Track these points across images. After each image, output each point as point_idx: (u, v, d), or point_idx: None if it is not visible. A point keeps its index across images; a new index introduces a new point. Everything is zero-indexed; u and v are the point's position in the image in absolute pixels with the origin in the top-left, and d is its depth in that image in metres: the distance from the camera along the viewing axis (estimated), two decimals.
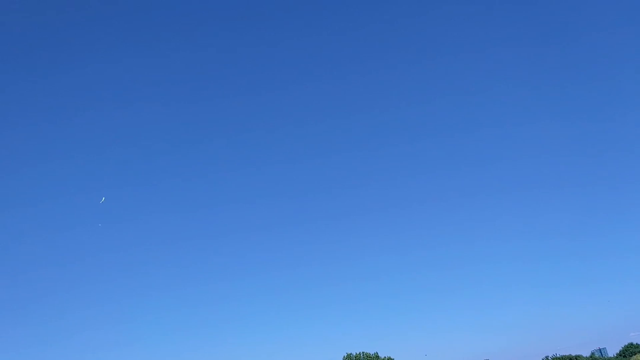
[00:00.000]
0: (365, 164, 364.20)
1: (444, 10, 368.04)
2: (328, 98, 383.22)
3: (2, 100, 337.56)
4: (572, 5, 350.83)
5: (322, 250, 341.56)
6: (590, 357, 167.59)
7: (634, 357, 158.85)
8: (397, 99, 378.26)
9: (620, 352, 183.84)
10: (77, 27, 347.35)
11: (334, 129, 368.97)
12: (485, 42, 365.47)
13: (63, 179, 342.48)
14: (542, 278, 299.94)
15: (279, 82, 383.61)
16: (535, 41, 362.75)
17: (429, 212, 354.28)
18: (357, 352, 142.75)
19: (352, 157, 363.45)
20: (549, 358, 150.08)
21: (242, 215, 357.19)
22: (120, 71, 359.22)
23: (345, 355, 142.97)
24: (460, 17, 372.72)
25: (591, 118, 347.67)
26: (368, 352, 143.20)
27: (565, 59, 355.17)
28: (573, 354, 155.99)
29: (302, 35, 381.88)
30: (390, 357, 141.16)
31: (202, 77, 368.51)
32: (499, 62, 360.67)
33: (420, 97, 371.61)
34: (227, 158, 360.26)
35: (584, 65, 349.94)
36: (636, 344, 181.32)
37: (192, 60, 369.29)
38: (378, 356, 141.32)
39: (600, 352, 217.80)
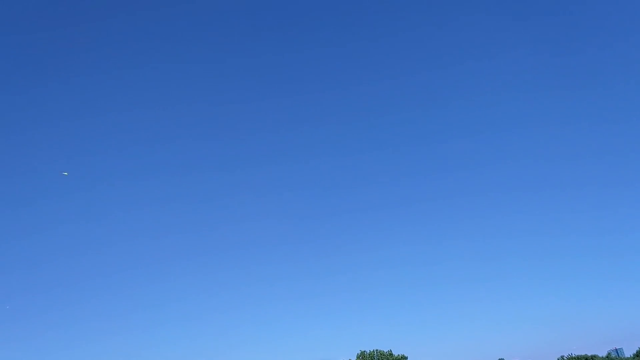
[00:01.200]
0: (379, 160, 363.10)
1: (450, 12, 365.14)
2: (330, 99, 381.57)
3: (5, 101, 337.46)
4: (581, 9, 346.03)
5: (335, 247, 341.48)
6: (607, 357, 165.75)
7: None
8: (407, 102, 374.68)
9: (637, 352, 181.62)
10: (78, 26, 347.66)
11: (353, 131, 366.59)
12: (491, 44, 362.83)
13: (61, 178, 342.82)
14: (558, 277, 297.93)
15: (284, 85, 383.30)
16: (539, 44, 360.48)
17: (443, 210, 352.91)
18: (371, 350, 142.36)
19: (369, 153, 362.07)
20: (565, 358, 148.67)
21: (255, 207, 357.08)
22: (122, 71, 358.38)
23: (359, 352, 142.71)
24: (465, 20, 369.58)
25: (608, 119, 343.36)
26: (382, 349, 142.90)
27: (573, 62, 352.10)
28: (589, 354, 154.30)
29: (307, 40, 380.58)
30: (403, 355, 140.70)
31: (210, 79, 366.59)
32: (504, 65, 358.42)
33: (429, 100, 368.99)
34: (240, 157, 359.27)
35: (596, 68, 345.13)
36: None
37: (196, 61, 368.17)
38: (392, 354, 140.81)
39: (617, 352, 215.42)
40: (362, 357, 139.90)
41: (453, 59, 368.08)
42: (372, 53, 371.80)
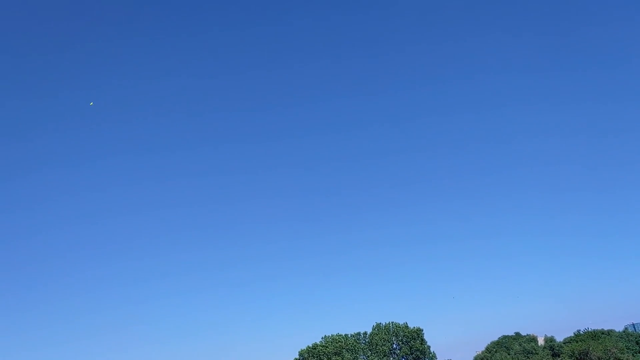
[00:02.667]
0: (404, 134, 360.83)
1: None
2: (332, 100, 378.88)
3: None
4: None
5: (352, 222, 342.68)
6: (623, 332, 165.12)
7: None
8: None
9: None
10: (79, 26, 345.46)
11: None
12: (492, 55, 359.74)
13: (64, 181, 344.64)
14: (575, 252, 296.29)
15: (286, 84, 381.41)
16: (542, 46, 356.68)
17: (460, 185, 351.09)
18: (387, 322, 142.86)
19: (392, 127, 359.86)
20: (581, 332, 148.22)
21: (273, 184, 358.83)
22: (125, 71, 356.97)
23: (375, 324, 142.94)
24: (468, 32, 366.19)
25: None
26: (397, 322, 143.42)
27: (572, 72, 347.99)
28: (605, 329, 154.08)
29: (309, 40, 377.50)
30: (419, 328, 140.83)
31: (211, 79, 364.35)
32: (507, 75, 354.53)
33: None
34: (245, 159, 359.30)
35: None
36: None
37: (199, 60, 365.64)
38: (407, 326, 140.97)
39: (634, 327, 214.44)
40: (378, 330, 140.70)
41: (456, 71, 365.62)
42: (377, 62, 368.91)
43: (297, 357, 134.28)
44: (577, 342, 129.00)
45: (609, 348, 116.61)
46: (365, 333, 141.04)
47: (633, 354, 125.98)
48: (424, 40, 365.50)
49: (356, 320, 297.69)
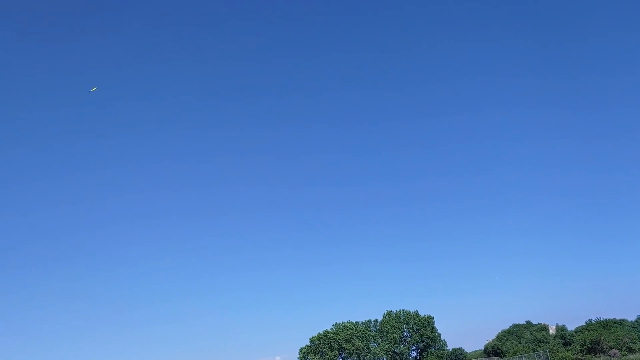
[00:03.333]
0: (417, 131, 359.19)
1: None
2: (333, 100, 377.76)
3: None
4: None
5: (363, 208, 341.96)
6: (636, 321, 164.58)
7: None
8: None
9: None
10: (80, 25, 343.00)
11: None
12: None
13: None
14: (588, 239, 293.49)
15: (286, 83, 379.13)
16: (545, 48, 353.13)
17: (471, 177, 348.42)
18: (397, 310, 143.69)
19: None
20: (592, 321, 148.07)
21: (280, 174, 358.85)
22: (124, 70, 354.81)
23: (386, 312, 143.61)
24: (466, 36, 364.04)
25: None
26: (408, 310, 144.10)
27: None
28: (617, 318, 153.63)
29: (310, 40, 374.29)
30: (429, 315, 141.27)
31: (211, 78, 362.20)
32: (504, 79, 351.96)
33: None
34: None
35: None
36: None
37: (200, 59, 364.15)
38: (418, 314, 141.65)
39: None
40: (389, 317, 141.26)
41: (455, 71, 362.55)
42: (374, 59, 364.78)
43: (308, 343, 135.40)
44: (588, 331, 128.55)
45: (620, 337, 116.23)
46: (375, 321, 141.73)
47: None
48: (423, 38, 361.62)
49: (367, 308, 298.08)
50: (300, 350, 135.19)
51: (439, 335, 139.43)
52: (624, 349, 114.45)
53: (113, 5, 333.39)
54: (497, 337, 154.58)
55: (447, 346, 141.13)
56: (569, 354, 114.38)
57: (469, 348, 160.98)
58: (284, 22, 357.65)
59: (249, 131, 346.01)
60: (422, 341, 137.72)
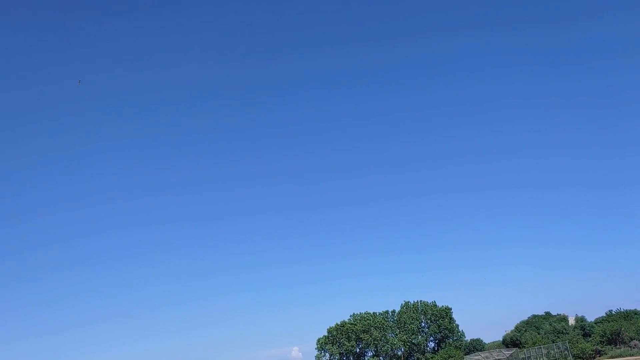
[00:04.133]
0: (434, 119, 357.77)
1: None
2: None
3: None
4: None
5: (379, 200, 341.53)
6: None
7: None
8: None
9: None
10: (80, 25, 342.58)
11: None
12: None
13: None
14: (607, 228, 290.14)
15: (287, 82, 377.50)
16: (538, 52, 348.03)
17: (486, 168, 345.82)
18: (415, 301, 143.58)
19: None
20: (613, 312, 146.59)
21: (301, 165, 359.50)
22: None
23: (403, 303, 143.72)
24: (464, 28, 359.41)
25: None
26: (426, 300, 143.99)
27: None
28: (638, 309, 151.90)
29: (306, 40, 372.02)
30: (447, 306, 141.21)
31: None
32: (501, 69, 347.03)
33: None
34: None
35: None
36: None
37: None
38: (436, 305, 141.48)
39: None
40: (406, 308, 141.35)
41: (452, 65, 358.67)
42: (371, 54, 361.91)
43: (326, 334, 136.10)
44: (608, 322, 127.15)
45: None
46: (393, 311, 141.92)
47: None
48: (421, 34, 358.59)
49: (384, 299, 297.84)
50: (318, 340, 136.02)
51: (457, 326, 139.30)
52: None
53: (111, 7, 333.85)
54: (516, 327, 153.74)
55: (465, 337, 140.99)
56: (588, 345, 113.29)
57: (487, 339, 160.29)
58: (277, 20, 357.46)
59: (249, 132, 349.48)
60: (440, 332, 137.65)
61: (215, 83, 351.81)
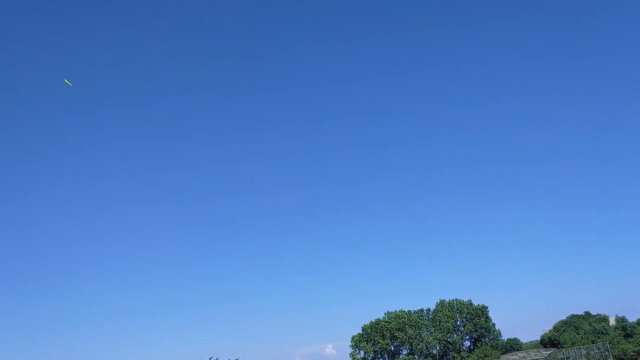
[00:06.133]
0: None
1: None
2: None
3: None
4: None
5: (417, 199, 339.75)
6: None
7: None
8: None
9: None
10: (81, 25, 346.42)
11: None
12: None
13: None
14: (622, 232, 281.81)
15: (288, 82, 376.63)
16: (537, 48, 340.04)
17: (517, 164, 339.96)
18: (450, 299, 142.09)
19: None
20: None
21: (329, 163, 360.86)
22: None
23: (439, 301, 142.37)
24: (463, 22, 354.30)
25: None
26: (461, 299, 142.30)
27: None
28: None
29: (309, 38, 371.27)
30: (483, 305, 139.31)
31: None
32: (501, 67, 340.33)
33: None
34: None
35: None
36: None
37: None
38: (471, 303, 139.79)
39: None
40: (442, 306, 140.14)
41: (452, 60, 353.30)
42: (371, 51, 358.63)
43: (361, 332, 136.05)
44: None
45: None
46: (428, 310, 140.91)
47: None
48: (419, 28, 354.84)
49: (419, 297, 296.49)
50: (353, 338, 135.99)
51: (494, 325, 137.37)
52: None
53: (108, 7, 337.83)
54: (554, 327, 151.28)
55: (501, 336, 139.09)
56: (630, 346, 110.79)
57: (524, 338, 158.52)
58: (275, 17, 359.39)
59: (249, 133, 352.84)
60: (476, 331, 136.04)
61: (215, 83, 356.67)
